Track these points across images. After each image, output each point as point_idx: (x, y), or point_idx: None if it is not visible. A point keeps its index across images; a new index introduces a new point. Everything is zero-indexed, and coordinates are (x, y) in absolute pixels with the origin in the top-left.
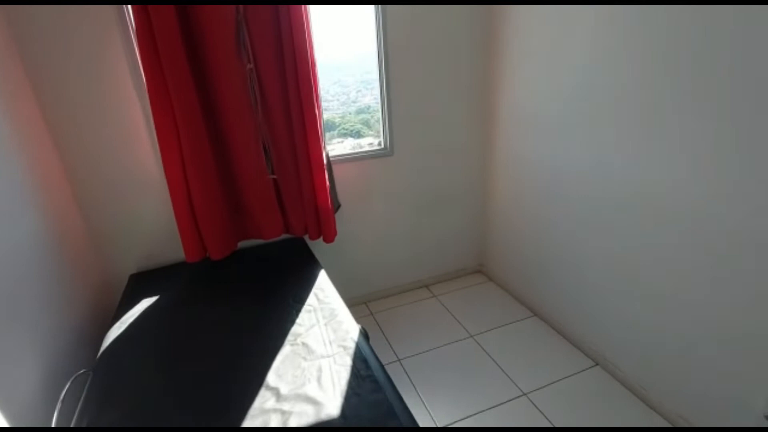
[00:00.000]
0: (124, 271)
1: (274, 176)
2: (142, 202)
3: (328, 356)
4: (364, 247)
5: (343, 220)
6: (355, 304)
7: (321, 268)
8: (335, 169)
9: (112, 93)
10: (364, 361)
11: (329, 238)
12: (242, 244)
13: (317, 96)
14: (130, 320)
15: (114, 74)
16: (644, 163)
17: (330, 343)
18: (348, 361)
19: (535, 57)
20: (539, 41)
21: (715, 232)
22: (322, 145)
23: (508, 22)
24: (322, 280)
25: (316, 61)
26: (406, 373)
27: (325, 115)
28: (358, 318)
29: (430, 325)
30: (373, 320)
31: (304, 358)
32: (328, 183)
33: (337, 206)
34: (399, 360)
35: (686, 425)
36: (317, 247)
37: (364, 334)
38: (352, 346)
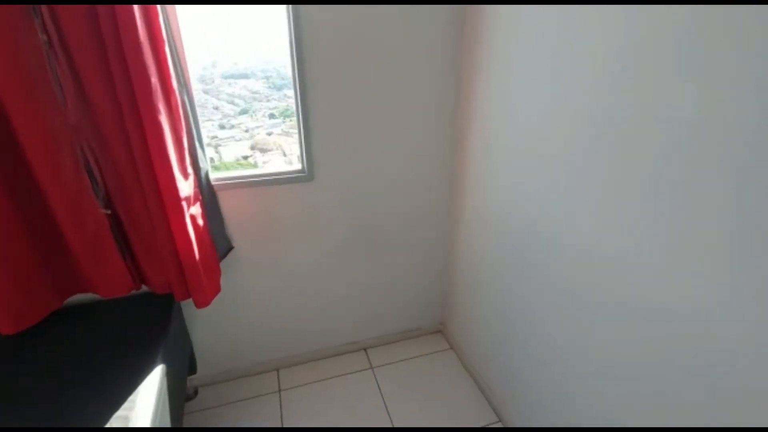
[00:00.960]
0: None
1: (108, 211)
2: None
3: None
4: (274, 300)
5: (240, 266)
6: (262, 371)
7: (161, 363)
8: (227, 197)
9: None
10: None
11: (202, 300)
12: (83, 298)
13: (170, 95)
14: None
15: None
16: (648, 247)
17: None
18: None
19: (524, 67)
20: (529, 46)
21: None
22: (176, 171)
23: (486, 22)
24: (148, 388)
25: (166, 40)
26: None
27: None
28: (256, 396)
29: (350, 420)
30: (278, 402)
31: None
32: (200, 223)
33: (226, 250)
34: None
35: None
36: None
37: None
38: None
